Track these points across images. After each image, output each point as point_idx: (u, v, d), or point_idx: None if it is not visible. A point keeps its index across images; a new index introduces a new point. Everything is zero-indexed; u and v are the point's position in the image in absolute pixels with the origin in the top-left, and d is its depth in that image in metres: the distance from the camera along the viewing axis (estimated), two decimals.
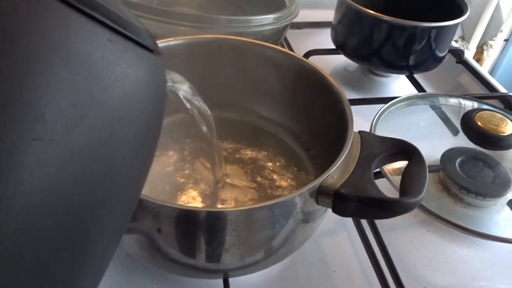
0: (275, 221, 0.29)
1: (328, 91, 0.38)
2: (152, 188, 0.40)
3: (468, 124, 0.44)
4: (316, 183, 0.29)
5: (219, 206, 0.40)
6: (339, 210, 0.31)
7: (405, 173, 0.32)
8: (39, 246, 0.15)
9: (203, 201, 0.40)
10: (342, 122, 0.35)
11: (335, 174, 0.31)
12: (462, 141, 0.51)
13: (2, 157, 0.13)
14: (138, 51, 0.19)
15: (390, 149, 0.33)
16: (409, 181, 0.30)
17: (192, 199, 0.40)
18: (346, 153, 0.31)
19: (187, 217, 0.27)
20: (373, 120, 0.51)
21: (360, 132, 0.35)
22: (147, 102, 0.20)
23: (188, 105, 0.36)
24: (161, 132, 0.23)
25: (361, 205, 0.30)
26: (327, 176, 0.30)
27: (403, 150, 0.33)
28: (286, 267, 0.40)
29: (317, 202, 0.31)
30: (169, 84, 0.33)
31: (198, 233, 0.28)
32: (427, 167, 0.32)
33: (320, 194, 0.31)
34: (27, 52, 0.14)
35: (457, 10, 0.60)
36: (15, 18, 0.14)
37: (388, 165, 0.44)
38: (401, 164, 0.37)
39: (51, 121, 0.14)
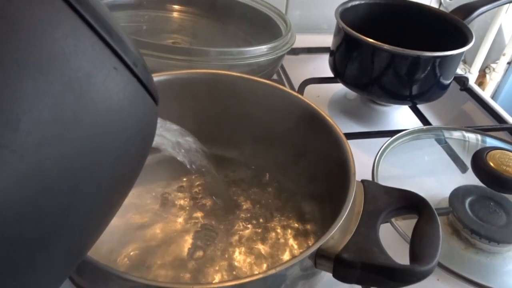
0: None
1: (327, 133, 0.35)
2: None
3: (480, 165, 0.41)
4: (314, 248, 0.26)
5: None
6: (340, 276, 0.27)
7: (416, 232, 0.28)
8: None
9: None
10: (342, 169, 0.32)
11: (335, 235, 0.27)
12: (471, 178, 0.47)
13: None
14: (139, 90, 0.18)
15: (397, 203, 0.30)
16: (421, 243, 0.27)
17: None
18: (348, 209, 0.28)
19: None
20: (376, 156, 0.47)
21: (363, 181, 0.31)
22: (132, 144, 0.18)
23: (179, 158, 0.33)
24: (134, 182, 0.21)
25: (366, 272, 0.26)
26: (327, 239, 0.26)
27: (413, 203, 0.30)
28: None
29: (316, 265, 0.27)
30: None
31: None
32: (439, 224, 0.28)
33: (319, 257, 0.27)
34: (24, 51, 0.13)
35: (462, 37, 0.57)
36: (27, 16, 0.14)
37: None
38: None
39: (24, 131, 0.13)
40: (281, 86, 0.40)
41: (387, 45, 0.53)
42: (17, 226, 0.14)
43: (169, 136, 0.32)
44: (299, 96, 0.38)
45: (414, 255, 0.26)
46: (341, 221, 0.27)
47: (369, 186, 0.31)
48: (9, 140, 0.13)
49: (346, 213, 0.28)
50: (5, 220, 0.13)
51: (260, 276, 0.24)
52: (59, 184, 0.15)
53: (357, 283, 0.27)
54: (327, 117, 0.36)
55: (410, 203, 0.30)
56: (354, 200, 0.29)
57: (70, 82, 0.14)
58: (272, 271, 0.24)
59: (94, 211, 0.18)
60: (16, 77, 0.13)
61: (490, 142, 0.51)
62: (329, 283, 0.40)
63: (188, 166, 0.36)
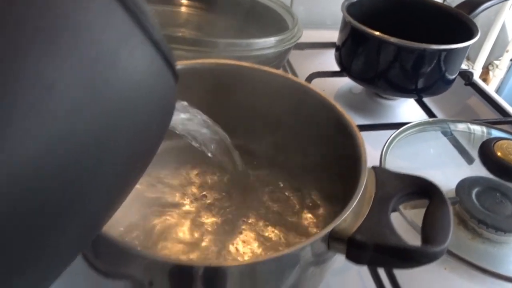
0: (282, 273, 0.26)
1: (338, 122, 0.35)
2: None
3: (487, 154, 0.41)
4: (327, 230, 0.26)
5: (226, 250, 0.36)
6: (353, 258, 0.27)
7: (427, 216, 0.28)
8: None
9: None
10: (353, 156, 0.32)
11: (348, 218, 0.27)
12: (477, 169, 0.48)
13: None
14: (163, 68, 0.18)
15: (408, 188, 0.30)
16: (432, 226, 0.27)
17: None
18: (360, 193, 0.28)
19: (181, 272, 0.24)
20: (383, 148, 0.48)
21: (374, 168, 0.32)
22: (153, 120, 0.19)
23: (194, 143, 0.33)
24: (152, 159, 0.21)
25: (379, 253, 0.26)
26: (340, 221, 0.27)
27: (423, 189, 0.30)
28: None
29: (329, 247, 0.28)
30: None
31: None
32: (450, 209, 0.28)
33: (333, 240, 0.27)
34: (59, 23, 0.14)
35: (467, 31, 0.58)
36: None
37: None
38: None
39: (57, 95, 0.13)
40: (291, 76, 0.40)
41: (393, 38, 0.53)
42: (42, 192, 0.14)
43: (191, 123, 0.32)
44: (309, 86, 0.39)
45: (426, 237, 0.27)
46: (354, 204, 0.27)
47: (380, 172, 0.31)
48: (45, 104, 0.13)
49: (359, 196, 0.28)
50: (34, 184, 0.14)
51: (274, 255, 0.24)
52: (85, 152, 0.15)
53: (370, 264, 0.27)
54: (338, 107, 0.36)
55: (420, 189, 0.30)
56: (365, 186, 0.29)
57: (100, 54, 0.15)
58: (286, 251, 0.24)
59: (114, 183, 0.18)
60: (52, 46, 0.13)
61: (496, 134, 0.52)
62: (338, 271, 0.40)
63: (208, 153, 0.36)
